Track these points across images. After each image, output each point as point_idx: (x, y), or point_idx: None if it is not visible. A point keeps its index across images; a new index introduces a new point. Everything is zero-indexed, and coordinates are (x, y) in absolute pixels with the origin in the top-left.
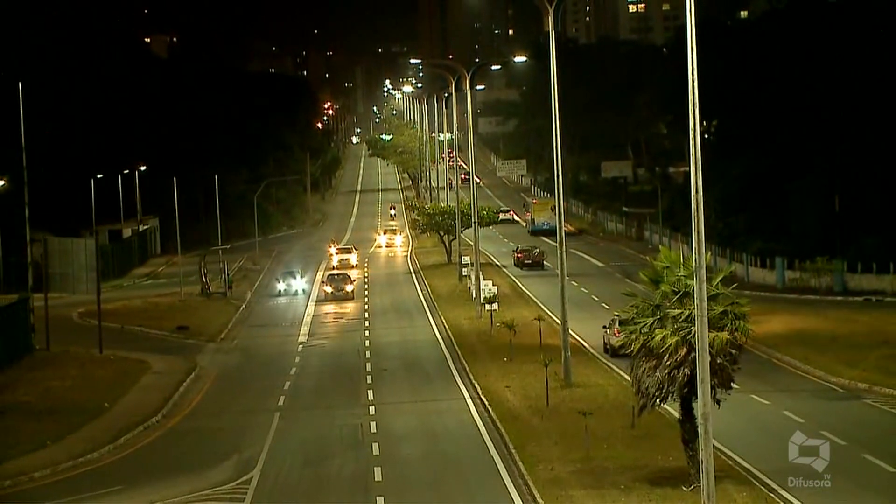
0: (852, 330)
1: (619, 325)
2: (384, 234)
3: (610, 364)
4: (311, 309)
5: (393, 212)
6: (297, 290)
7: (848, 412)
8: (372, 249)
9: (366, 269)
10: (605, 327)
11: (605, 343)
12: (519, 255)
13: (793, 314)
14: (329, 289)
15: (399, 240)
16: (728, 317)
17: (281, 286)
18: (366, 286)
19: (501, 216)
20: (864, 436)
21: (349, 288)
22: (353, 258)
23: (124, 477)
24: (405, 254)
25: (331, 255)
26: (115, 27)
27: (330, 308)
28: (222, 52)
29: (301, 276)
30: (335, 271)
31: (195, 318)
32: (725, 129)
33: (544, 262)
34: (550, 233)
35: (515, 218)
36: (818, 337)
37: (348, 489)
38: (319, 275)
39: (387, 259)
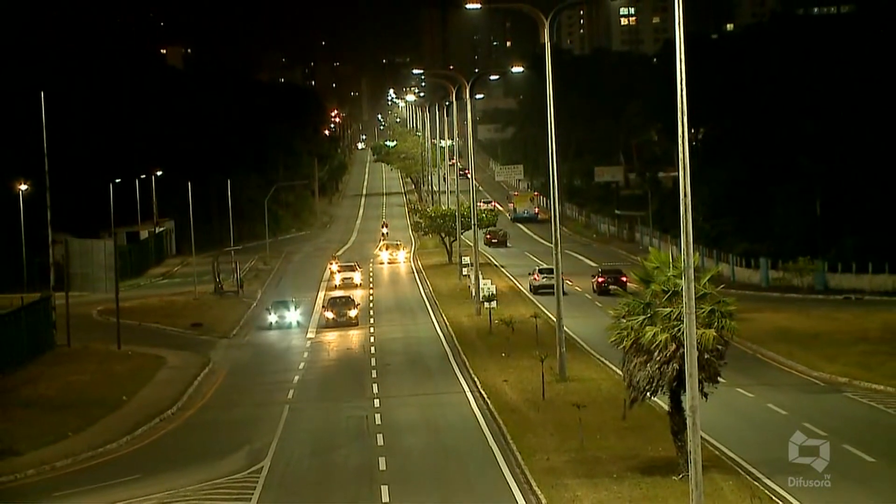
0: (833, 327)
1: (539, 272)
2: (385, 249)
3: (603, 360)
4: (310, 334)
5: (385, 230)
6: (290, 323)
7: (829, 405)
8: (374, 251)
9: (370, 269)
10: (529, 273)
11: (530, 285)
12: (487, 235)
13: (776, 312)
14: (331, 314)
15: (402, 255)
16: (715, 315)
17: (272, 317)
18: (370, 285)
19: (518, 205)
20: (844, 427)
21: (353, 313)
22: (356, 277)
23: (141, 466)
24: (407, 257)
25: (332, 273)
26: (133, 38)
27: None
28: (234, 63)
29: (295, 308)
30: (337, 293)
31: (208, 315)
32: (712, 135)
33: (507, 242)
34: (529, 220)
35: (498, 207)
36: (801, 334)
37: (354, 478)
38: (320, 295)
39: (389, 260)
